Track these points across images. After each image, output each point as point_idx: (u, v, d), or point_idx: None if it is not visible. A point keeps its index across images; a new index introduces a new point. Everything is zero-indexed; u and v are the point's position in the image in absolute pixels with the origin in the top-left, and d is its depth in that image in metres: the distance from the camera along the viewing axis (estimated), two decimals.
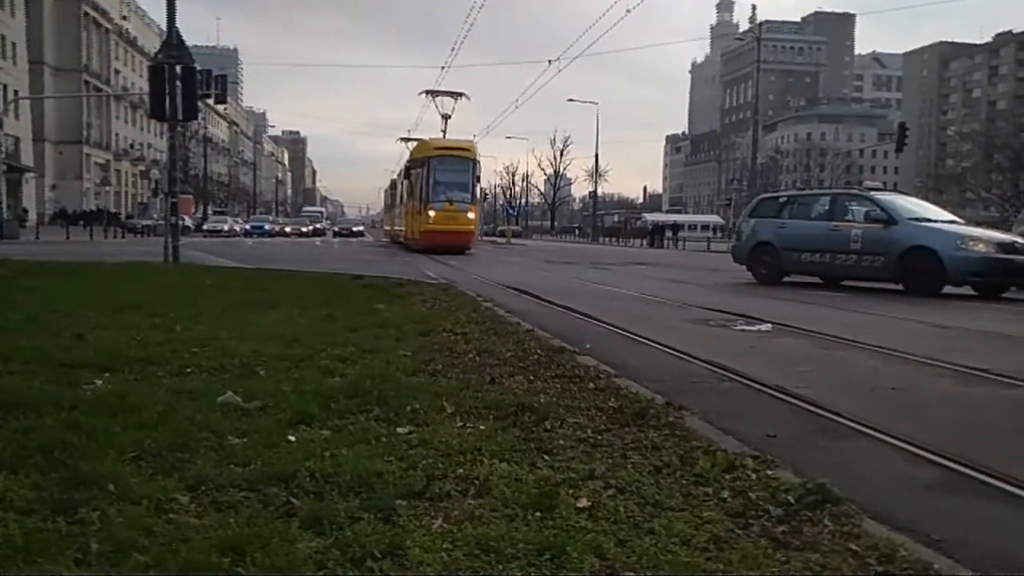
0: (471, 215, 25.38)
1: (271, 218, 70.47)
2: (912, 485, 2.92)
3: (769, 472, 2.76)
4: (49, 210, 54.14)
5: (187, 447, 2.76)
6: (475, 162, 25.58)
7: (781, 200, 14.99)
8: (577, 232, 77.30)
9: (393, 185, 39.40)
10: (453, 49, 41.10)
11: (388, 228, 43.53)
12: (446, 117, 29.68)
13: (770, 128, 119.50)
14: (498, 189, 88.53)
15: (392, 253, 25.94)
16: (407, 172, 27.26)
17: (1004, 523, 2.60)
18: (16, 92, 46.34)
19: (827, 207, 13.32)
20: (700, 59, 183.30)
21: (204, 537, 2.05)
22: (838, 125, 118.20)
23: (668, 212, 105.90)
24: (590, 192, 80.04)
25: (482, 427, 3.20)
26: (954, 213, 14.67)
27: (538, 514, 2.29)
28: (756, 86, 51.72)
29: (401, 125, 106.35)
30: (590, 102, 63.46)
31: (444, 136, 28.88)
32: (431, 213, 24.47)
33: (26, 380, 3.73)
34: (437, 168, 24.90)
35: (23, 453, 2.64)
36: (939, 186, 72.81)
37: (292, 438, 2.94)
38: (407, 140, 36.13)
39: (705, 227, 69.00)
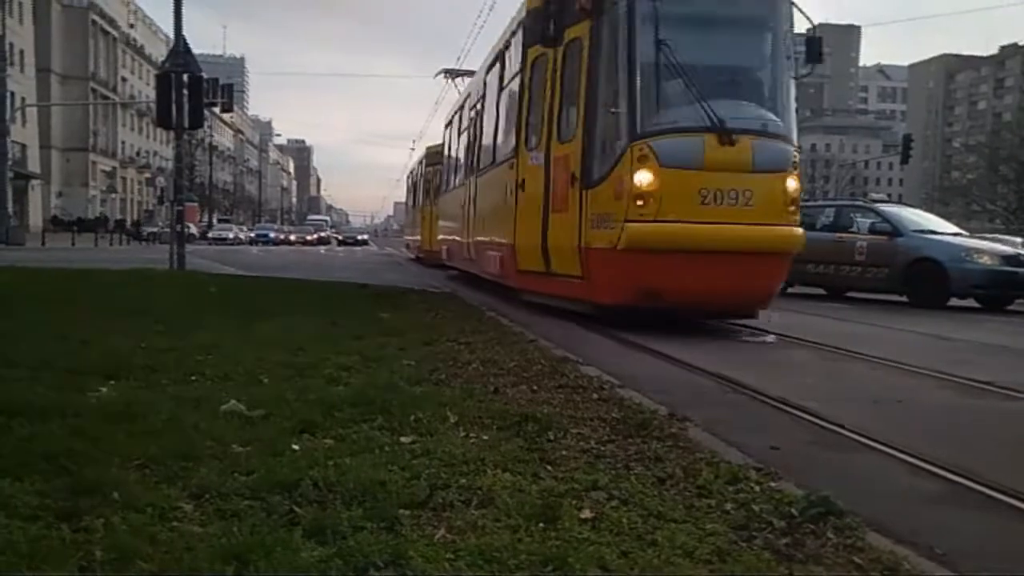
0: (792, 184, 7.48)
1: (276, 226, 70.91)
2: (915, 498, 2.92)
3: (772, 484, 2.75)
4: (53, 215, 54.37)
5: (191, 455, 2.76)
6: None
7: None
8: None
9: (430, 159, 21.33)
10: (459, 59, 40.88)
11: (422, 238, 23.02)
12: None
13: None
14: None
15: (398, 264, 25.25)
16: (525, 59, 8.91)
17: (1007, 536, 2.59)
18: (23, 99, 46.54)
19: (832, 218, 13.33)
20: None
21: (208, 545, 2.05)
22: (843, 136, 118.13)
23: None
24: None
25: (485, 437, 3.20)
26: (959, 225, 14.68)
27: (541, 525, 2.28)
28: None
29: (406, 135, 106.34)
30: None
31: None
32: (646, 176, 6.94)
33: (31, 386, 3.73)
34: (666, 10, 7.31)
35: (28, 460, 2.64)
36: (944, 198, 72.75)
37: (296, 447, 2.94)
38: (452, 75, 18.63)
39: None
